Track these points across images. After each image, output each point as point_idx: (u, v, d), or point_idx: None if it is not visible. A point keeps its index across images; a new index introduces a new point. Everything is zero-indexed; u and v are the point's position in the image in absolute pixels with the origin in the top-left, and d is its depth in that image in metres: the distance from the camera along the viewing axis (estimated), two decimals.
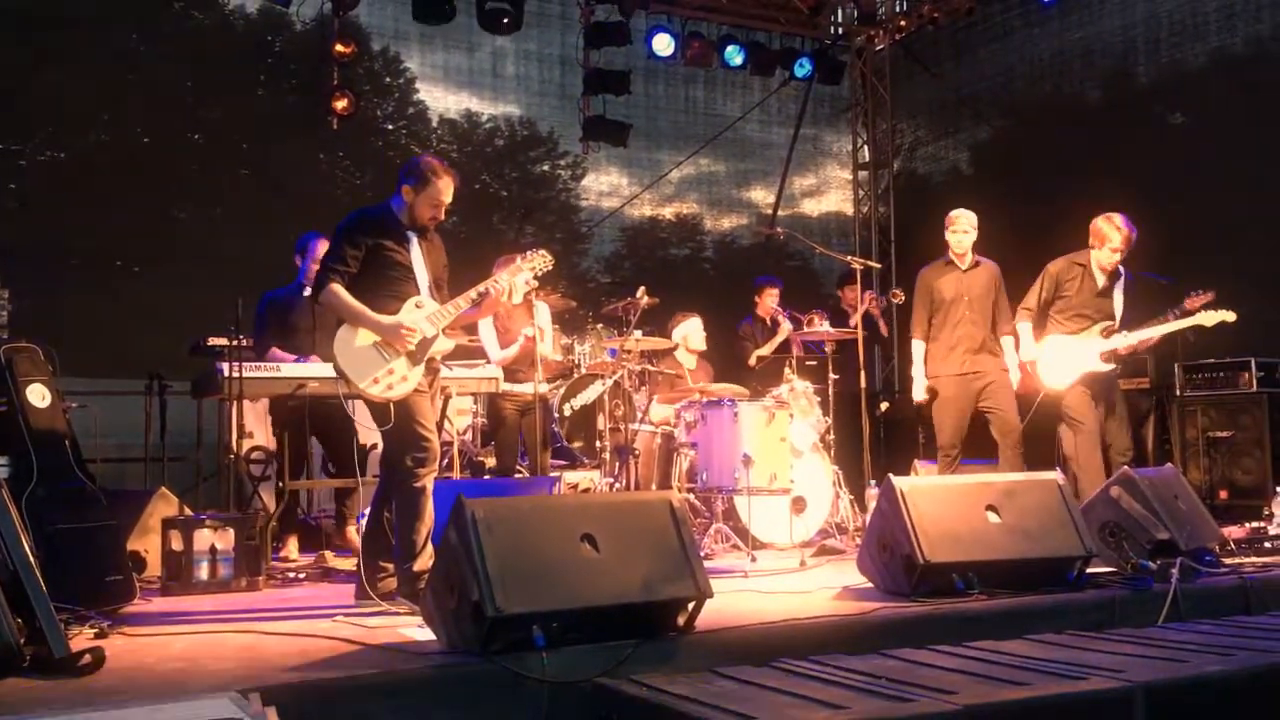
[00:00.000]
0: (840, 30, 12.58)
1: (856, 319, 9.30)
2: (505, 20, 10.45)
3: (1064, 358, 6.66)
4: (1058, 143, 10.43)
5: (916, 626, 4.24)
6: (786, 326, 8.37)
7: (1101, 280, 6.68)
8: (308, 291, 6.40)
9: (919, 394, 6.95)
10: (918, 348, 7.00)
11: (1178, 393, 8.20)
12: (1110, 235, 6.56)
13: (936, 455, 6.99)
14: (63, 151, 9.32)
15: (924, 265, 7.12)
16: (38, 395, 5.02)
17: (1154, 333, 6.65)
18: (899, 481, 4.78)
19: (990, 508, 4.81)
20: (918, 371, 6.98)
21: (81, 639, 3.92)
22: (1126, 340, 6.61)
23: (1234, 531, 6.31)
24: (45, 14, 9.02)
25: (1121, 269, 6.71)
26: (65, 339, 5.74)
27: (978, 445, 6.95)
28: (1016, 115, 11.26)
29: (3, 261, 6.56)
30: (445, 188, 4.85)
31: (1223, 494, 7.96)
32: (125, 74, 9.40)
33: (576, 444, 7.64)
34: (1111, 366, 6.63)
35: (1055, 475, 5.06)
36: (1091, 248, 6.66)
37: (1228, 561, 5.42)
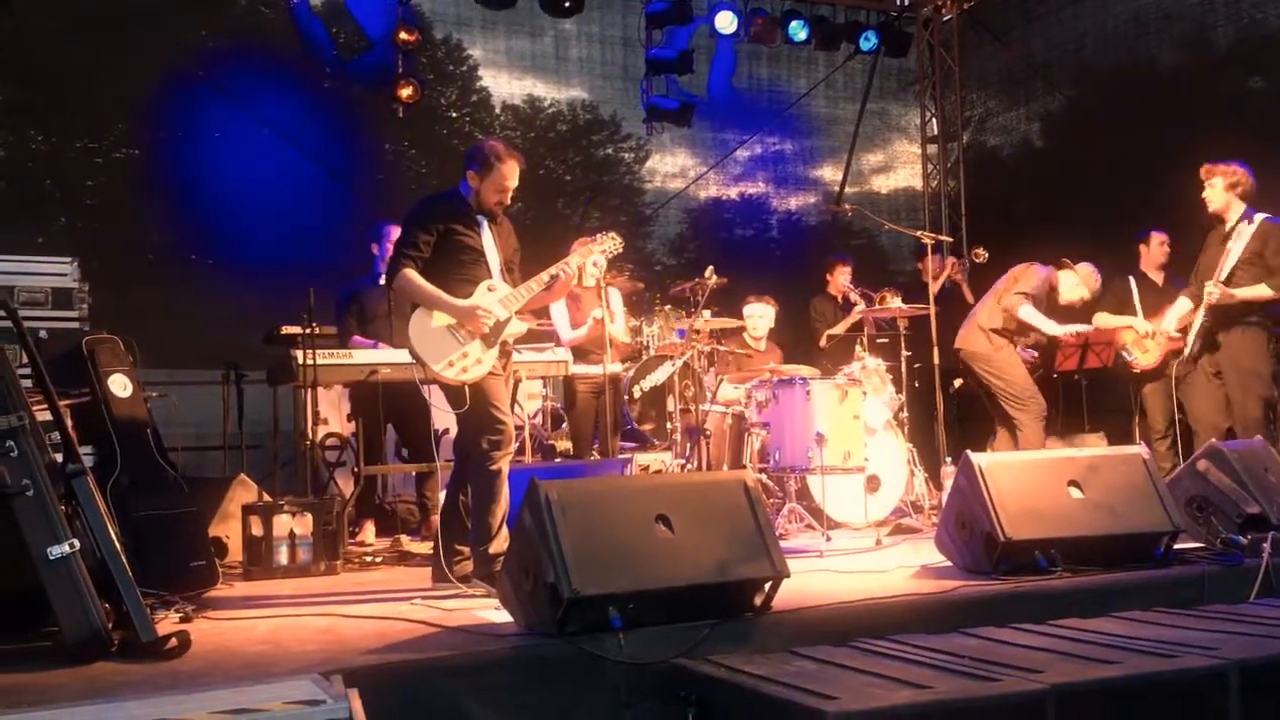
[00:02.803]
0: (906, 1, 12.35)
1: (936, 288, 9.19)
2: (567, 4, 10.44)
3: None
4: (1132, 110, 10.14)
5: (998, 605, 4.16)
6: (860, 307, 8.24)
7: (1222, 237, 6.43)
8: (383, 280, 6.47)
9: None
10: None
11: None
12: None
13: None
14: (136, 148, 9.49)
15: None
16: (119, 385, 5.12)
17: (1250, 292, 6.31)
18: (977, 458, 4.70)
19: (1072, 483, 4.70)
20: None
21: (167, 623, 4.00)
22: (1216, 289, 6.27)
23: None
24: (115, 13, 9.18)
25: (1245, 214, 6.37)
26: (143, 330, 5.82)
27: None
28: (1089, 83, 10.97)
29: (83, 256, 6.69)
30: (510, 172, 4.85)
31: None
32: (195, 70, 9.53)
33: (647, 426, 7.63)
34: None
35: (1140, 449, 4.94)
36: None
37: None
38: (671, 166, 11.61)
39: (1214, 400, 6.54)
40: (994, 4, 11.86)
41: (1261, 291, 6.27)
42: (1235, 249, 6.34)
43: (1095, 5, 10.83)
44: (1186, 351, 6.52)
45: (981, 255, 9.03)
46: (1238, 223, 6.38)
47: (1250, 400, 6.32)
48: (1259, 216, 6.35)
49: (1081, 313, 7.32)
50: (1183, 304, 6.61)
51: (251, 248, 9.34)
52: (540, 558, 3.58)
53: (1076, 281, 7.21)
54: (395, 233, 6.52)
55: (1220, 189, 6.37)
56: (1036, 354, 9.42)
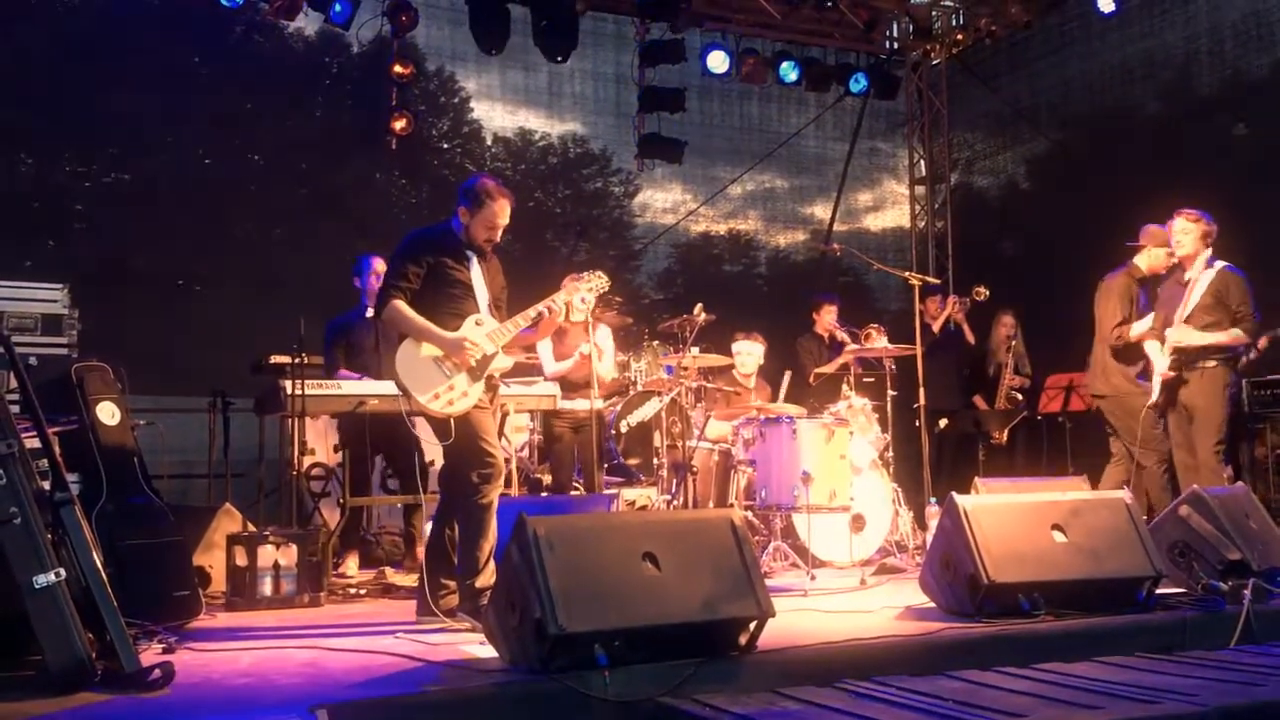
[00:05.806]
0: (895, 45, 12.48)
1: (938, 327, 9.27)
2: (559, 57, 10.57)
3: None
4: (1117, 155, 10.28)
5: (982, 647, 4.18)
6: (850, 347, 8.25)
7: (1180, 281, 6.49)
8: (369, 313, 6.50)
9: None
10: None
11: (1245, 409, 8.01)
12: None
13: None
14: (127, 173, 9.51)
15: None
16: (107, 413, 5.11)
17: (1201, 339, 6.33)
18: (962, 500, 4.73)
19: (1056, 527, 4.73)
20: None
21: (150, 653, 3.98)
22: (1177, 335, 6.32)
23: None
24: (110, 40, 9.22)
25: (1208, 260, 6.39)
26: (131, 357, 5.83)
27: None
28: (1075, 127, 11.12)
29: (72, 282, 6.69)
30: (501, 210, 4.89)
31: None
32: (187, 97, 9.57)
33: (633, 461, 7.64)
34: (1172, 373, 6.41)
35: (1123, 494, 4.97)
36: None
37: None
38: (663, 201, 11.69)
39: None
40: (982, 50, 12.01)
41: (1234, 335, 6.32)
42: (1196, 292, 6.42)
43: (1080, 52, 10.99)
44: (1154, 396, 6.53)
45: (983, 293, 9.10)
46: (1199, 268, 6.47)
47: (1203, 440, 6.34)
48: (1219, 263, 6.46)
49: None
50: (1152, 347, 6.62)
51: (241, 275, 9.35)
52: (527, 593, 3.59)
53: (1149, 250, 6.78)
54: (376, 265, 6.62)
55: (1194, 237, 6.45)
56: (1021, 397, 9.47)
